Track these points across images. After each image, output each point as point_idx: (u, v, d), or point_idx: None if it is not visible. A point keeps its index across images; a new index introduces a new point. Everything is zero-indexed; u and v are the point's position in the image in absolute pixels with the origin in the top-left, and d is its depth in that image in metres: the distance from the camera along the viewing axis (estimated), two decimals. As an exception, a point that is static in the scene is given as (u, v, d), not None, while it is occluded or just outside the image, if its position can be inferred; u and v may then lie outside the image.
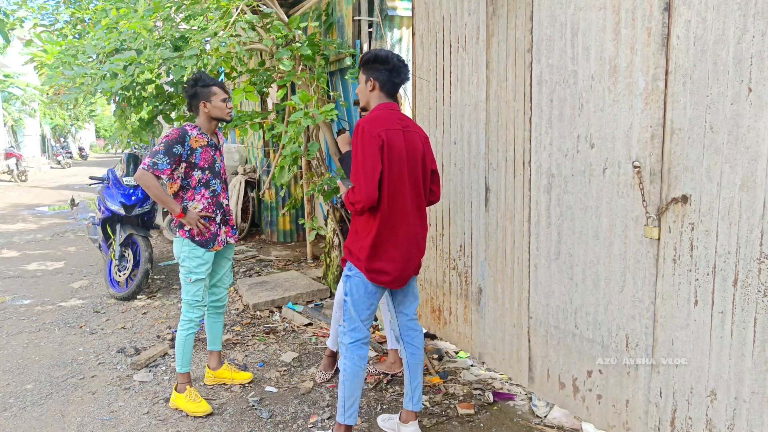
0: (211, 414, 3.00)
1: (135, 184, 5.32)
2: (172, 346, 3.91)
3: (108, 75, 4.28)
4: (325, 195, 4.16)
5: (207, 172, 3.05)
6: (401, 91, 4.60)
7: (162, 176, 2.91)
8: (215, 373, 3.35)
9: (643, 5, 2.12)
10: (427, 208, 3.61)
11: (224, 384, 3.35)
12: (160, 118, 4.99)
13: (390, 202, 2.41)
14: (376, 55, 2.49)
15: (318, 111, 3.88)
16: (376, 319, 4.33)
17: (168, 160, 2.87)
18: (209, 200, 3.06)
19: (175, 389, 3.07)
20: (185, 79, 4.37)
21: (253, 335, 4.13)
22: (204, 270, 3.03)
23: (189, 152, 2.95)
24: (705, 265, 1.99)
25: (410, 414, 2.70)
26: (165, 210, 7.32)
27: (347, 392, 2.51)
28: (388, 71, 2.48)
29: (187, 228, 2.98)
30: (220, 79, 5.08)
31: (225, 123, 3.14)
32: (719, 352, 1.98)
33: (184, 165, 2.97)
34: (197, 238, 2.99)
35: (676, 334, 2.12)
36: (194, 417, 2.96)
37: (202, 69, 4.35)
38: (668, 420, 2.17)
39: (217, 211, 3.09)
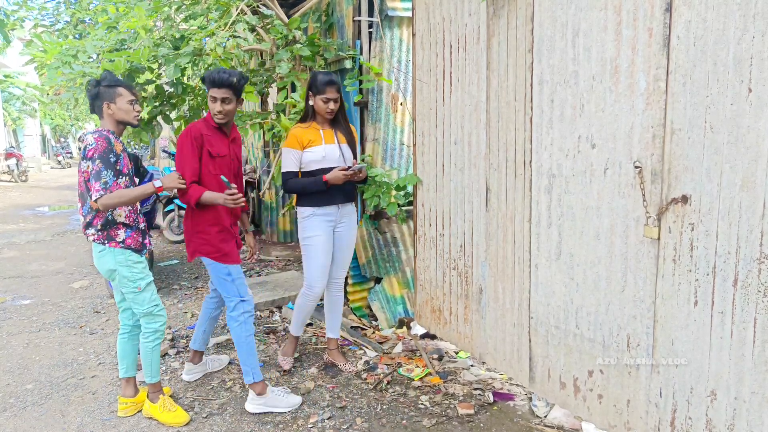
0: (188, 423, 2.90)
1: None
2: (173, 346, 3.91)
3: (108, 75, 4.27)
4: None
5: (127, 178, 2.84)
6: (399, 92, 4.61)
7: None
8: (134, 399, 3.05)
9: (644, 6, 2.12)
10: (428, 209, 3.62)
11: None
12: (159, 118, 4.98)
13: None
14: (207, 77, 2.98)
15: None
16: (376, 319, 4.33)
17: (111, 173, 2.69)
18: (131, 207, 2.87)
19: (147, 398, 2.96)
20: (182, 77, 4.36)
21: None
22: (148, 272, 2.88)
23: (116, 159, 2.76)
24: (705, 265, 2.00)
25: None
26: (165, 210, 7.31)
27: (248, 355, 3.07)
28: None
29: (119, 239, 2.78)
30: None
31: (133, 127, 2.98)
32: (719, 352, 1.98)
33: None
34: (132, 246, 2.82)
35: (676, 334, 2.12)
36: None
37: (202, 69, 4.35)
38: (668, 420, 2.17)
39: (138, 219, 2.91)
